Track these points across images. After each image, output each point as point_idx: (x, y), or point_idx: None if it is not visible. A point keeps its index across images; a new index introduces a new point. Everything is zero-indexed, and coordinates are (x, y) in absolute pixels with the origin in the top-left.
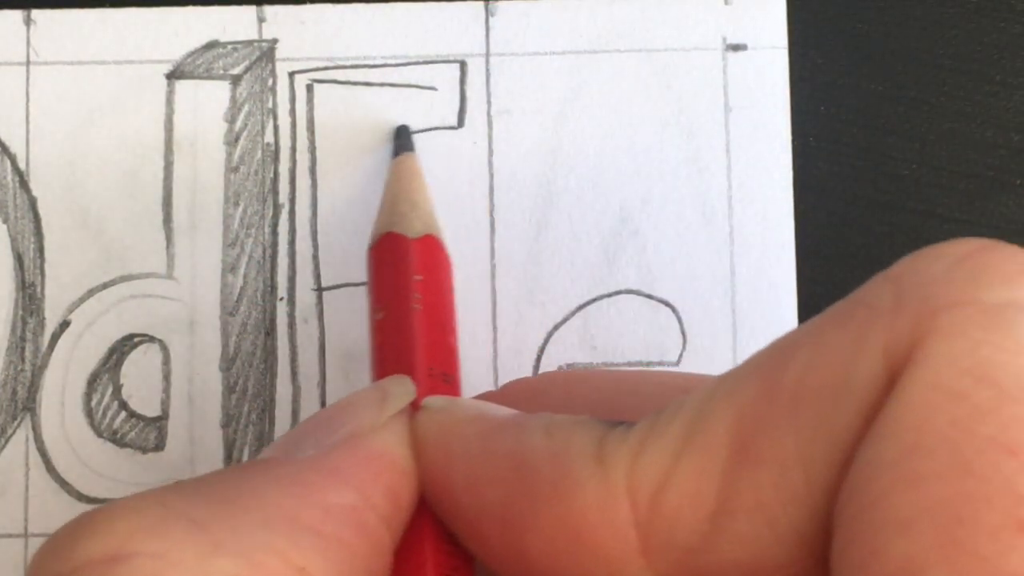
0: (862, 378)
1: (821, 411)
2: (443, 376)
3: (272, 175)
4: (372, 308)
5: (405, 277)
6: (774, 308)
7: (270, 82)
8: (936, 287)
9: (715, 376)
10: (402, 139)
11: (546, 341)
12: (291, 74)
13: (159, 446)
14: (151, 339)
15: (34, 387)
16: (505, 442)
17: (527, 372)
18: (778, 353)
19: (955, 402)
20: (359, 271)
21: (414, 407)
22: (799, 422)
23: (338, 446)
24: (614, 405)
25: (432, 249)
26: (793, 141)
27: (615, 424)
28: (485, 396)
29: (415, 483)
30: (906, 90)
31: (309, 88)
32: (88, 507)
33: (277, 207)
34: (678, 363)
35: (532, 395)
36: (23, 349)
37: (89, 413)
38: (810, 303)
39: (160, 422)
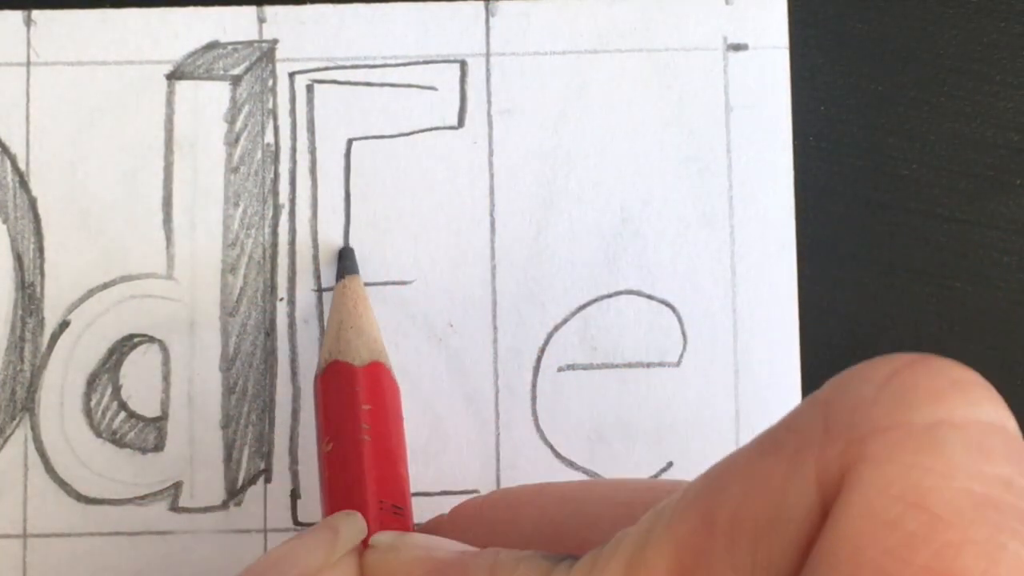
0: (796, 508)
1: (758, 543)
2: (393, 509)
3: (272, 175)
4: (321, 438)
5: (353, 407)
6: (774, 308)
7: (270, 82)
8: (864, 411)
9: (656, 490)
10: (345, 261)
11: (546, 341)
12: (291, 74)
13: (159, 446)
14: (151, 339)
15: (33, 387)
16: None
17: (527, 372)
18: (713, 484)
19: (888, 530)
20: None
21: (363, 544)
22: (737, 555)
23: None
24: (559, 526)
25: (379, 376)
26: (793, 141)
27: (559, 559)
28: (434, 522)
29: None
30: (906, 90)
31: (309, 88)
32: (88, 508)
33: (277, 207)
34: (679, 363)
35: (480, 519)
36: (22, 349)
37: (88, 413)
38: (810, 303)
39: (160, 422)
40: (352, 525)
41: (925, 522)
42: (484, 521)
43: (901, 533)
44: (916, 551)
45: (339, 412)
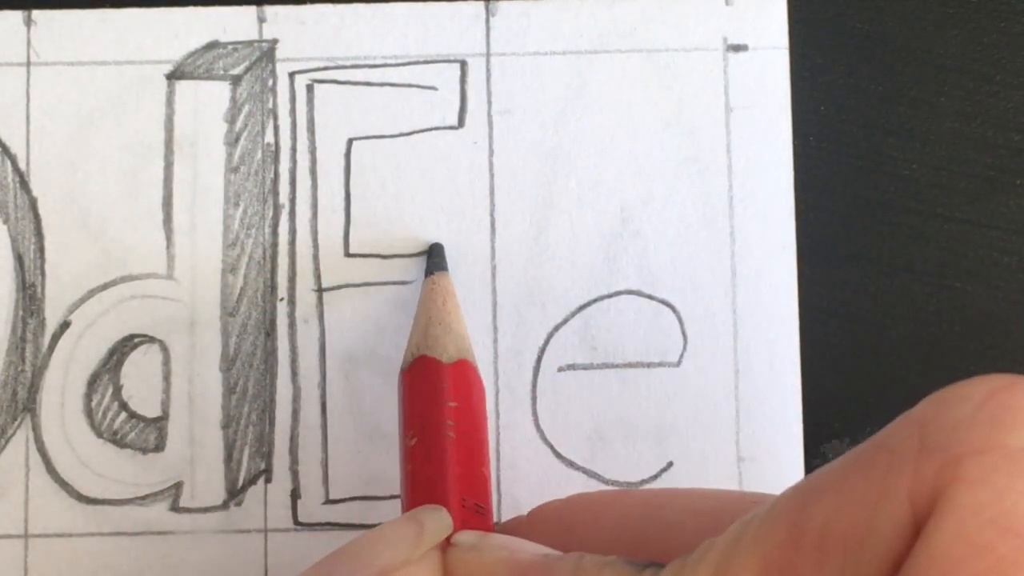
0: (887, 526)
1: (847, 558)
2: (476, 507)
3: (272, 175)
4: (404, 433)
5: (439, 403)
6: (774, 308)
7: (270, 82)
8: (961, 431)
9: (738, 501)
10: (435, 258)
11: (546, 341)
12: (291, 74)
13: (159, 447)
14: (151, 340)
15: (34, 388)
16: None
17: (527, 373)
18: (803, 497)
19: (980, 554)
20: (359, 272)
21: (446, 542)
22: (825, 569)
23: None
24: (641, 532)
25: (466, 374)
26: (793, 141)
27: (643, 565)
28: (513, 523)
29: None
30: (906, 90)
31: (309, 88)
32: (88, 508)
33: (277, 207)
34: (679, 363)
35: (559, 522)
36: (23, 350)
37: (89, 414)
38: (810, 303)
39: (160, 423)
40: (438, 520)
41: (1017, 547)
42: (564, 524)
43: (992, 558)
44: None
45: (424, 408)
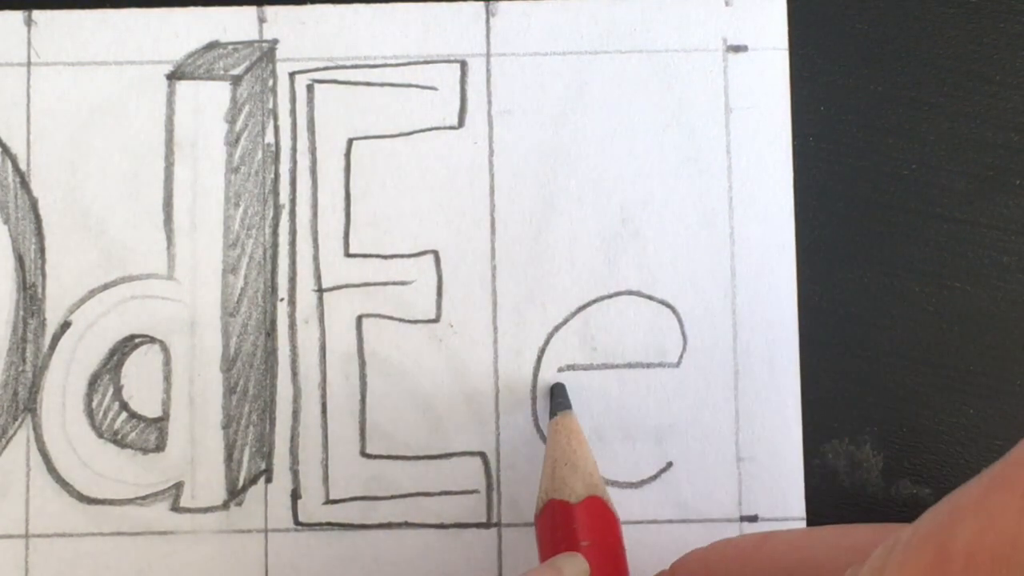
0: None
1: None
2: None
3: (273, 176)
4: None
5: (572, 545)
6: (774, 308)
7: (271, 82)
8: None
9: (882, 534)
10: (558, 398)
11: (546, 342)
12: (291, 74)
13: (160, 447)
14: (152, 340)
15: (35, 388)
16: None
17: (527, 373)
18: (946, 520)
19: None
20: (355, 272)
21: None
22: None
23: None
24: (790, 573)
25: (597, 510)
26: (793, 141)
27: None
28: None
29: None
30: (906, 90)
31: (309, 88)
32: (89, 508)
33: (278, 208)
34: (679, 363)
35: (705, 572)
36: (24, 350)
37: (90, 414)
38: (810, 303)
39: (161, 423)
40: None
41: None
42: (709, 573)
43: None
44: None
45: (559, 551)
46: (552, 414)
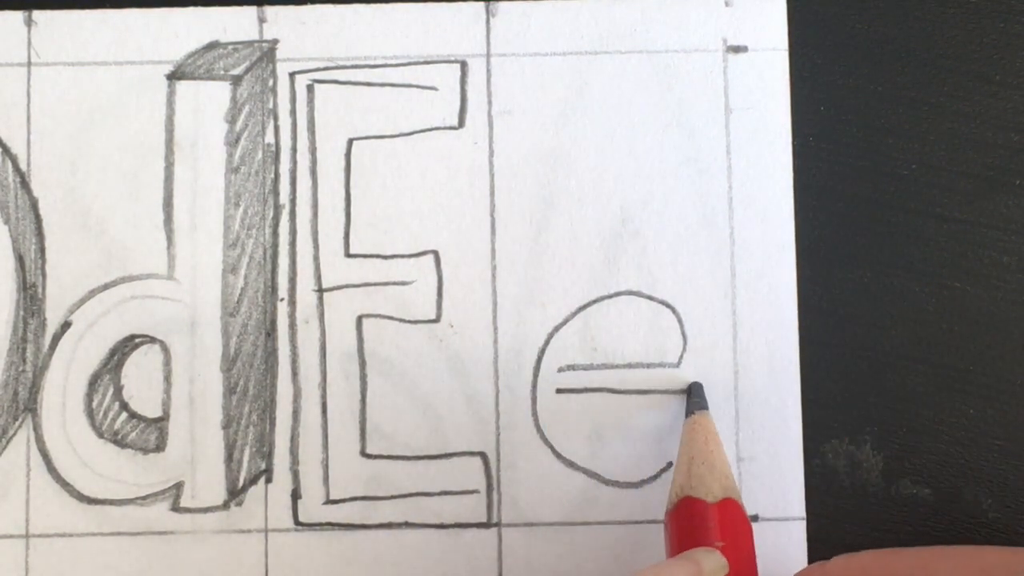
0: None
1: None
2: None
3: (273, 176)
4: None
5: (706, 544)
6: (774, 308)
7: (271, 82)
8: None
9: (1009, 557)
10: (695, 397)
11: (546, 342)
12: (292, 74)
13: (160, 447)
14: (152, 340)
15: (35, 388)
16: None
17: (527, 373)
18: None
19: None
20: (356, 272)
21: None
22: None
23: None
24: None
25: (732, 513)
26: (793, 141)
27: None
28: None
29: None
30: (906, 90)
31: (310, 88)
32: (89, 508)
33: (278, 208)
34: (678, 364)
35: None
36: (24, 350)
37: (90, 414)
38: (810, 303)
39: (161, 423)
40: (714, 561)
41: None
42: None
43: None
44: None
45: (692, 548)
46: (688, 412)
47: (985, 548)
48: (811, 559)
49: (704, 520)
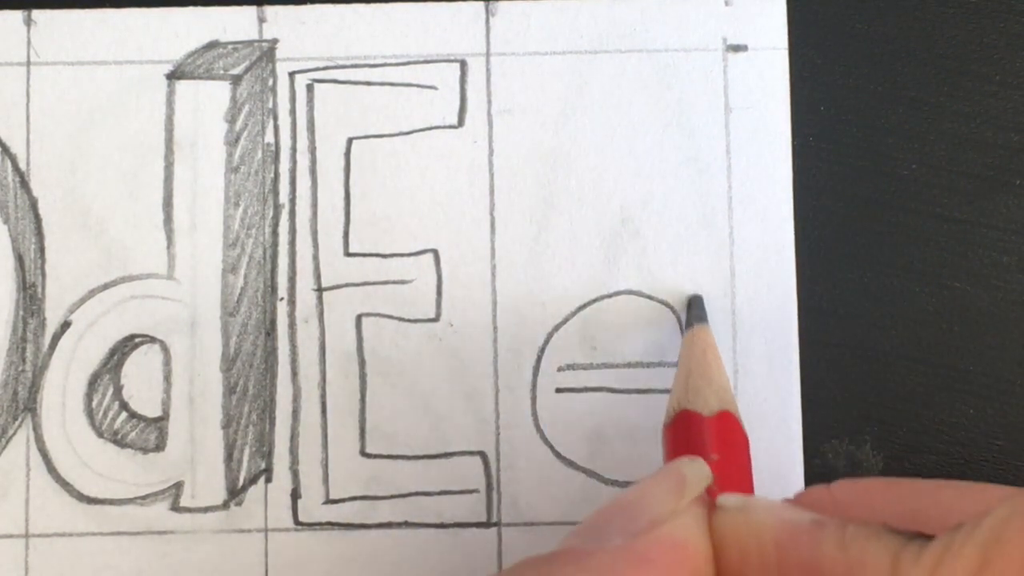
0: None
1: None
2: None
3: (272, 175)
4: None
5: (702, 457)
6: (774, 308)
7: (270, 82)
8: None
9: (1009, 494)
10: (695, 309)
11: (546, 341)
12: (291, 74)
13: (159, 446)
14: (152, 340)
15: (35, 387)
16: (800, 552)
17: (527, 372)
18: None
19: None
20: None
21: (712, 504)
22: None
23: (643, 535)
24: (915, 514)
25: (729, 426)
26: (793, 141)
27: (910, 537)
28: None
29: (713, 570)
30: (906, 90)
31: (309, 88)
32: (89, 508)
33: (277, 207)
34: (678, 364)
35: (830, 504)
36: (24, 349)
37: (90, 414)
38: (810, 303)
39: (161, 422)
40: (697, 470)
41: None
42: (834, 506)
43: None
44: None
45: None
46: (688, 325)
47: (991, 486)
48: None
49: (700, 433)
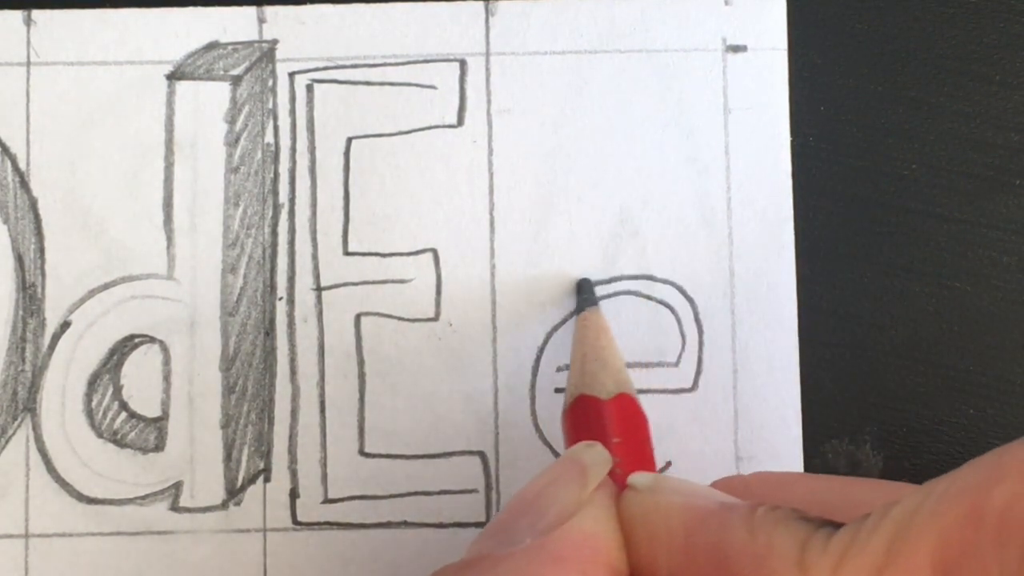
0: None
1: None
2: None
3: (272, 175)
4: None
5: (603, 441)
6: (774, 308)
7: (270, 82)
8: None
9: (919, 488)
10: (585, 294)
11: (546, 341)
12: (291, 74)
13: (159, 446)
14: (151, 340)
15: (35, 388)
16: (708, 535)
17: (527, 373)
18: (983, 477)
19: None
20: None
21: (622, 484)
22: (1005, 552)
23: (553, 532)
24: (826, 505)
25: (627, 408)
26: (793, 141)
27: (819, 525)
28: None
29: (625, 557)
30: (906, 90)
31: (309, 88)
32: (89, 508)
33: (277, 207)
34: (677, 363)
35: (745, 493)
36: (24, 350)
37: (89, 414)
38: (810, 303)
39: (160, 422)
40: (597, 456)
41: None
42: (749, 495)
43: None
44: None
45: None
46: (579, 309)
47: (905, 484)
48: None
49: (599, 417)
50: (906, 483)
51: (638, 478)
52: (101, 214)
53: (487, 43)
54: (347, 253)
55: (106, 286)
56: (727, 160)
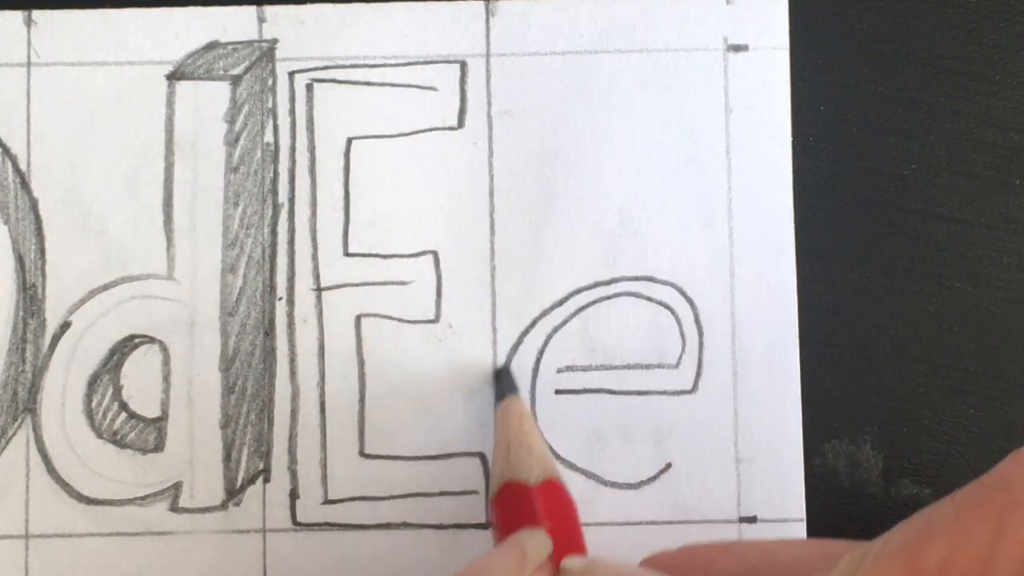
0: (1004, 566)
1: None
2: None
3: (272, 175)
4: None
5: (533, 527)
6: (774, 309)
7: (270, 82)
8: None
9: (852, 549)
10: (504, 381)
11: (546, 342)
12: (291, 74)
13: (159, 447)
14: (151, 340)
15: (35, 388)
16: None
17: (526, 373)
18: (918, 536)
19: None
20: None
21: (556, 567)
22: None
23: None
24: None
25: (555, 493)
26: (793, 141)
27: None
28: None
29: None
30: (906, 90)
31: (309, 88)
32: (89, 508)
33: (277, 207)
34: (677, 365)
35: (674, 570)
36: (24, 350)
37: (89, 414)
38: (810, 303)
39: (160, 423)
40: (538, 542)
41: None
42: (680, 571)
43: None
44: None
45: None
46: (500, 398)
47: (828, 540)
48: None
49: (528, 503)
50: (835, 540)
51: (571, 561)
52: (101, 214)
53: (487, 44)
54: (347, 254)
55: (106, 286)
56: (727, 160)
